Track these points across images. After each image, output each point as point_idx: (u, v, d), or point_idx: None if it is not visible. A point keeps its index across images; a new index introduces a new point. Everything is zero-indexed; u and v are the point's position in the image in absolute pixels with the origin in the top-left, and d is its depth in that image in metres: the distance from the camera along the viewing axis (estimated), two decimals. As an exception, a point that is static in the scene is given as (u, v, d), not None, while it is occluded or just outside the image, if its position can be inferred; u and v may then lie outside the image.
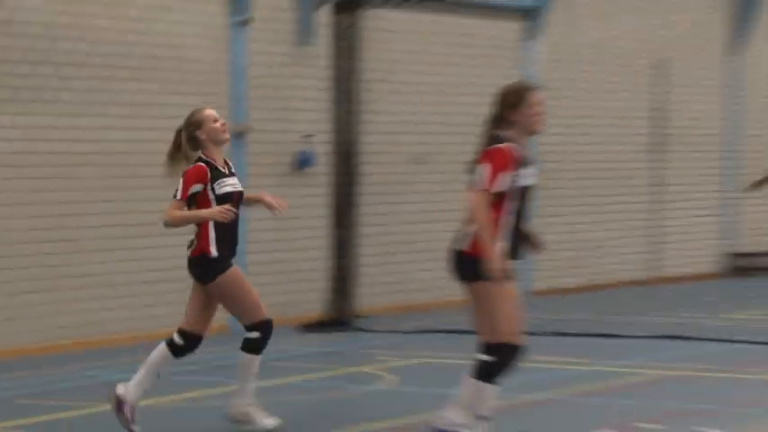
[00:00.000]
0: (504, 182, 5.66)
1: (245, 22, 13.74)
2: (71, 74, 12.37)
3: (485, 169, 5.76)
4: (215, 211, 6.51)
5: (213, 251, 6.87)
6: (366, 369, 11.60)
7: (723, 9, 21.02)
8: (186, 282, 7.54)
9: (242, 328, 7.12)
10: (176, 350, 6.95)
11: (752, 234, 21.71)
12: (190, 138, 6.93)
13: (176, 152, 6.97)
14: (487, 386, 5.95)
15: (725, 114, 20.63)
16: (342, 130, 14.20)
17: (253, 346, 7.08)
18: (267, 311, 7.12)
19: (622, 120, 18.65)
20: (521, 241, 6.07)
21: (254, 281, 12.38)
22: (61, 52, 12.39)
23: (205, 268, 6.73)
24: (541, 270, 16.93)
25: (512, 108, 5.82)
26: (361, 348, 13.21)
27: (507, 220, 5.83)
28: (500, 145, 5.72)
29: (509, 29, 17.52)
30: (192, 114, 7.05)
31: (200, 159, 6.74)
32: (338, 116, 14.18)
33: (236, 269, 7.14)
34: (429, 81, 16.50)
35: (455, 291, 11.81)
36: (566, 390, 9.09)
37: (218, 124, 6.78)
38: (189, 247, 6.95)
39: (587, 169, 17.57)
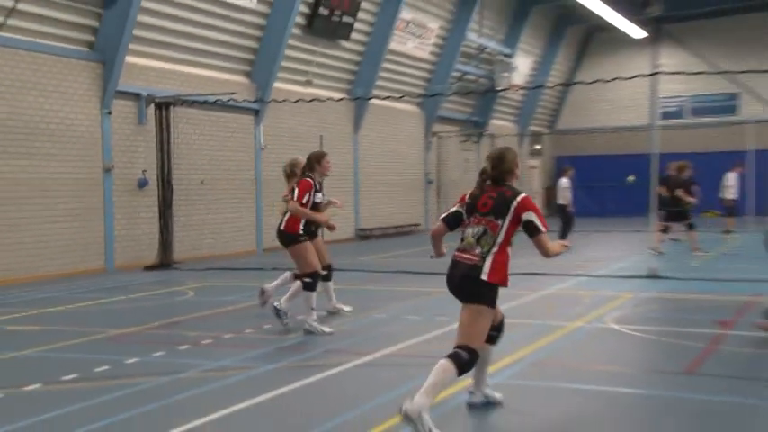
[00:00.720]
0: (308, 197, 10.40)
1: (109, 113, 18.61)
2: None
3: (299, 189, 10.43)
4: (323, 219, 10.72)
5: (299, 229, 10.45)
6: (179, 288, 15.50)
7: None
8: None
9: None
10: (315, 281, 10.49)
11: (366, 218, 28.08)
12: (310, 166, 10.63)
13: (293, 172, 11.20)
14: (307, 293, 10.21)
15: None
16: (161, 167, 19.28)
17: (307, 286, 10.35)
18: (318, 266, 10.52)
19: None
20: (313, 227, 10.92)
21: (122, 245, 18.37)
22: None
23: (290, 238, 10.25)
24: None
25: (317, 162, 10.66)
26: (175, 278, 17.39)
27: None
28: (306, 178, 10.47)
29: (248, 119, 22.86)
30: (316, 153, 11.03)
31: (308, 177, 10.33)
32: (160, 160, 19.29)
33: (307, 241, 10.62)
34: (206, 146, 21.28)
35: (221, 249, 18.06)
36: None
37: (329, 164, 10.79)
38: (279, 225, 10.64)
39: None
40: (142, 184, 19.85)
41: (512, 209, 6.42)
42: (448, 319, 10.95)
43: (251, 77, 23.23)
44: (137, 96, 19.75)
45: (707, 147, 35.73)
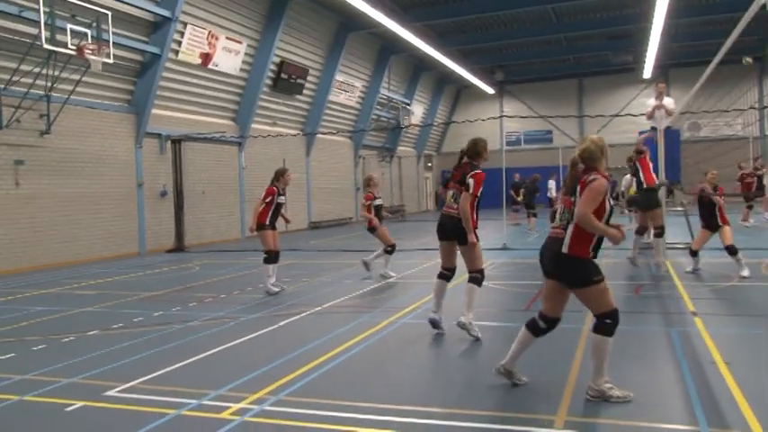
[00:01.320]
0: (271, 199, 10.08)
1: (141, 147, 18.37)
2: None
3: (266, 193, 10.07)
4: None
5: (266, 221, 10.26)
6: (189, 265, 15.28)
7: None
8: None
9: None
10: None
11: (315, 214, 27.62)
12: (276, 178, 10.35)
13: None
14: (266, 265, 12.03)
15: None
16: (176, 182, 19.21)
17: (266, 261, 10.19)
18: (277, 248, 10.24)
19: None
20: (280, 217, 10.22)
21: (150, 236, 18.63)
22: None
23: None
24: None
25: (281, 175, 10.34)
26: (187, 258, 17.03)
27: (276, 211, 10.17)
28: (272, 186, 10.21)
29: (234, 149, 22.49)
30: (281, 169, 10.57)
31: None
32: (174, 178, 19.21)
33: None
34: (205, 168, 20.94)
35: (217, 237, 18.10)
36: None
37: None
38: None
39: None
40: (163, 194, 19.73)
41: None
42: (371, 282, 11.22)
43: (235, 121, 23.12)
44: (159, 135, 19.66)
45: (534, 163, 36.33)
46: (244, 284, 11.32)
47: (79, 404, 5.17)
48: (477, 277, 6.84)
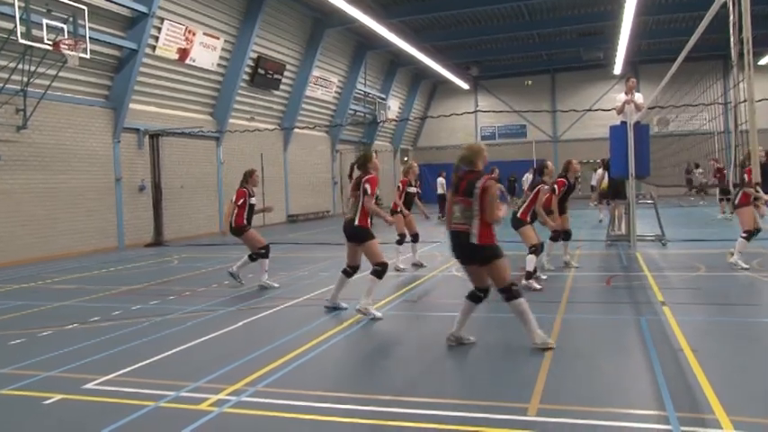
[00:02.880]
0: (243, 201, 9.82)
1: (119, 142, 18.21)
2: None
3: (237, 196, 9.80)
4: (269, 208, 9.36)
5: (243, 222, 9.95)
6: (168, 259, 15.23)
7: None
8: None
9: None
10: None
11: (293, 207, 27.31)
12: (245, 179, 9.97)
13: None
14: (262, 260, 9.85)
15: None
16: (154, 177, 19.08)
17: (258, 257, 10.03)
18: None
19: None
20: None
21: (129, 230, 18.45)
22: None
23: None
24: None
25: (250, 176, 9.96)
26: (165, 251, 17.06)
27: (250, 211, 9.91)
28: (242, 188, 9.87)
29: (212, 144, 22.30)
30: (248, 170, 10.15)
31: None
32: (153, 172, 19.11)
33: None
34: (183, 162, 20.69)
35: (195, 231, 17.95)
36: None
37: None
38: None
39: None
40: (141, 188, 19.55)
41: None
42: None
43: (213, 116, 22.94)
44: (137, 130, 19.45)
45: (510, 157, 36.81)
46: (222, 278, 11.21)
47: (57, 397, 5.12)
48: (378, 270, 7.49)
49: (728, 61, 6.86)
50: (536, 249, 9.37)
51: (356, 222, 7.82)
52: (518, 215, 9.57)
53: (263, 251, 10.23)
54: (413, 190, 11.56)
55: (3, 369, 6.01)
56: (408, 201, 11.64)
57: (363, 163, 7.93)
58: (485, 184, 5.81)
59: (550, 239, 10.94)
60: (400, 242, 11.51)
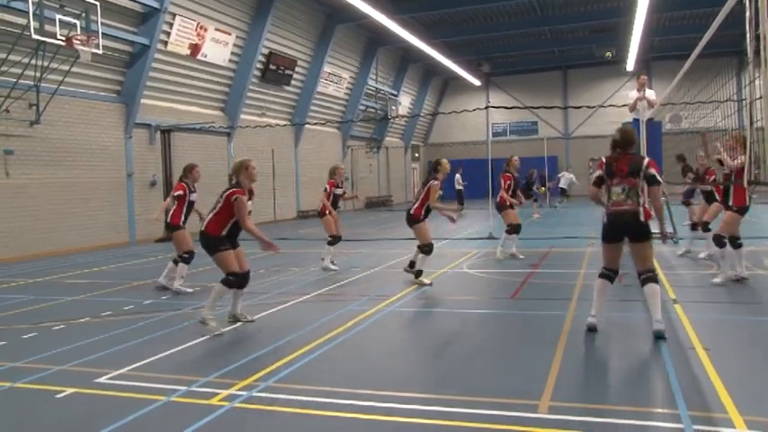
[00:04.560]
0: (183, 192, 9.21)
1: (130, 137, 18.19)
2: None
3: (176, 187, 9.44)
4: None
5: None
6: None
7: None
8: None
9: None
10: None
11: (304, 203, 25.91)
12: (185, 174, 9.29)
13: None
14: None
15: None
16: (165, 172, 19.15)
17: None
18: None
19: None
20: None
21: (140, 225, 18.41)
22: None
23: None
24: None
25: (190, 171, 9.33)
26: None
27: (189, 209, 9.32)
28: (181, 182, 9.27)
29: (223, 139, 22.32)
30: (187, 165, 9.40)
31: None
32: (164, 167, 19.19)
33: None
34: (194, 157, 18.43)
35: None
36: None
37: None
38: None
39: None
40: (152, 183, 19.62)
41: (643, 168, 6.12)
42: (359, 269, 11.20)
43: (224, 111, 22.97)
44: (148, 126, 19.49)
45: (520, 154, 36.41)
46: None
47: (69, 391, 5.14)
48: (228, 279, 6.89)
49: (744, 58, 6.76)
50: (430, 249, 9.72)
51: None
52: (410, 212, 9.75)
53: (186, 256, 9.67)
54: (339, 191, 11.60)
55: (16, 362, 6.05)
56: (335, 202, 11.58)
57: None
58: (651, 163, 6.14)
59: (506, 232, 12.35)
60: (332, 243, 11.24)
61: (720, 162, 8.99)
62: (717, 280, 8.83)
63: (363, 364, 5.80)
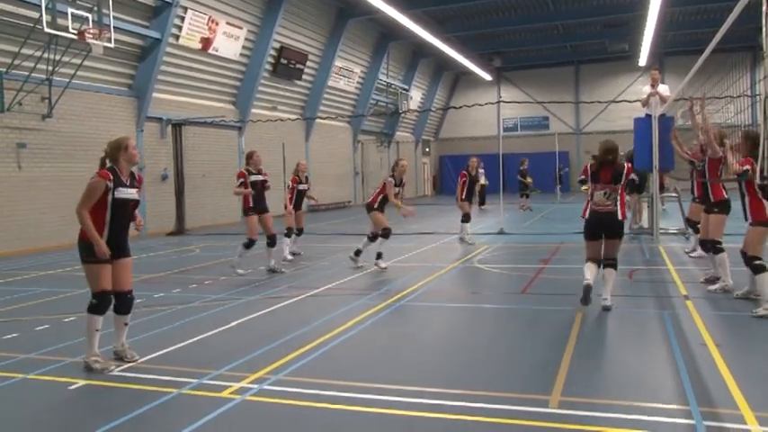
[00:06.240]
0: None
1: (142, 131, 18.44)
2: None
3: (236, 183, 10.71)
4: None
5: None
6: (189, 247, 15.32)
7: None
8: None
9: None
10: None
11: (316, 195, 26.77)
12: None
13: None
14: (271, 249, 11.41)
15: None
16: (176, 166, 19.17)
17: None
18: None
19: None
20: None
21: (151, 218, 18.62)
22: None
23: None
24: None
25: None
26: (187, 240, 17.20)
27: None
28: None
29: (234, 133, 22.52)
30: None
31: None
32: (175, 161, 19.19)
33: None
34: (206, 151, 20.90)
35: (216, 220, 18.06)
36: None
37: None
38: None
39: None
40: (164, 177, 19.73)
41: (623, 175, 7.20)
42: (368, 264, 11.21)
43: (236, 105, 23.04)
44: (160, 120, 19.59)
45: (531, 149, 36.67)
46: (244, 267, 11.23)
47: (82, 383, 5.18)
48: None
49: (759, 52, 6.70)
50: (387, 233, 10.73)
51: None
52: (368, 201, 11.10)
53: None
54: (303, 187, 12.34)
55: (29, 354, 6.10)
56: (299, 198, 12.35)
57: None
58: (629, 170, 7.23)
59: (462, 221, 13.84)
60: (288, 235, 12.08)
61: (695, 158, 8.99)
62: (715, 287, 8.36)
63: (374, 357, 5.80)
